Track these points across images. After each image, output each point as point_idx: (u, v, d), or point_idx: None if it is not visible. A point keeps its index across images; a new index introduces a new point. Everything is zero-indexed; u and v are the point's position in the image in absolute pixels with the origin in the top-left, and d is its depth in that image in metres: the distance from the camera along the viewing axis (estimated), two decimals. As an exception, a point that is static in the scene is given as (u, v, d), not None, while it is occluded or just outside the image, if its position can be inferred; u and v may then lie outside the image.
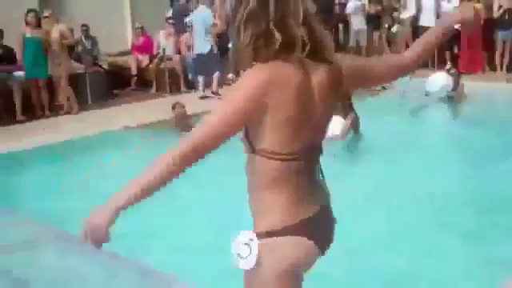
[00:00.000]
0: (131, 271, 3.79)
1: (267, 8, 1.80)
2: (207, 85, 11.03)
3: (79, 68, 10.80)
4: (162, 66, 11.86)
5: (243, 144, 1.93)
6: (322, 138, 2.00)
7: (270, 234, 1.89)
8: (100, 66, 11.60)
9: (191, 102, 9.93)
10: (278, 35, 1.78)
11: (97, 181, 6.26)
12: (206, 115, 1.79)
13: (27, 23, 9.62)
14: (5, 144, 7.71)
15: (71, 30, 10.75)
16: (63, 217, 4.80)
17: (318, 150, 1.99)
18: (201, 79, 11.08)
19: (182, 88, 11.82)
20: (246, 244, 1.88)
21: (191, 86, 11.84)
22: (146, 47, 12.38)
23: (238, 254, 1.88)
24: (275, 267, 1.88)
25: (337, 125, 6.86)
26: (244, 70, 1.83)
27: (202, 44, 10.98)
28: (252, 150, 1.89)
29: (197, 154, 1.75)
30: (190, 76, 11.95)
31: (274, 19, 1.79)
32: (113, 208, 1.71)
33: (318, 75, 1.87)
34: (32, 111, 9.70)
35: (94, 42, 11.96)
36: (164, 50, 11.91)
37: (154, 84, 11.93)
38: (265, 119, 1.81)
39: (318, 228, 1.96)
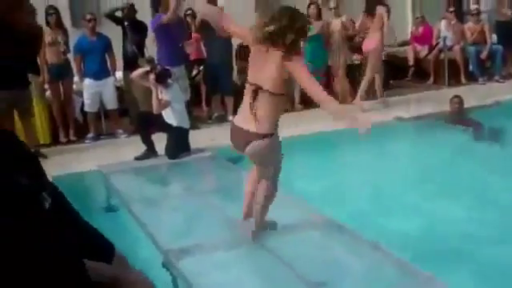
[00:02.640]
0: (390, 265, 3.63)
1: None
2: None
3: (356, 59, 10.85)
4: (442, 56, 11.35)
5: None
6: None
7: None
8: (377, 56, 11.55)
9: (470, 95, 9.36)
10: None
11: (364, 171, 6.25)
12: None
13: (308, 15, 9.98)
14: (285, 129, 8.09)
15: (353, 22, 10.91)
16: (327, 204, 4.84)
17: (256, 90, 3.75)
18: None
19: (462, 80, 11.16)
20: None
21: (472, 78, 11.13)
22: (425, 37, 11.97)
23: None
24: None
25: None
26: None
27: None
28: None
29: None
30: (470, 67, 11.24)
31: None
32: None
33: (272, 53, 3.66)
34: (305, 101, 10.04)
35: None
36: (445, 39, 11.36)
37: (432, 75, 11.48)
38: None
39: (232, 134, 3.93)
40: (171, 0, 8.06)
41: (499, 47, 11.19)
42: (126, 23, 8.70)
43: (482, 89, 10.58)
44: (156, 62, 7.88)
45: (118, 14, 8.87)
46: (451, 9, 11.66)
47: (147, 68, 7.11)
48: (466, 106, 8.32)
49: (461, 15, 11.74)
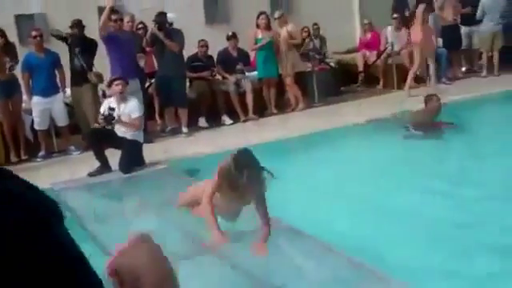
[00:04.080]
0: (345, 265, 3.70)
1: None
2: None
3: (307, 67, 10.98)
4: (390, 61, 11.61)
5: None
6: None
7: None
8: (327, 63, 11.73)
9: (419, 97, 9.58)
10: None
11: (321, 177, 6.30)
12: None
13: (258, 25, 10.07)
14: (240, 139, 8.14)
15: (304, 30, 11.08)
16: (288, 212, 4.87)
17: None
18: None
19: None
20: None
21: (420, 80, 11.39)
22: (373, 43, 12.23)
23: None
24: None
25: None
26: None
27: None
28: None
29: None
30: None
31: None
32: None
33: None
34: (259, 109, 10.10)
35: (323, 41, 12.16)
36: (392, 45, 11.62)
37: (382, 80, 11.73)
38: None
39: None
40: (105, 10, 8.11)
41: (444, 50, 11.50)
42: (73, 39, 8.60)
43: (429, 91, 10.81)
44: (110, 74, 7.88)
45: (64, 33, 8.73)
46: (395, 15, 11.92)
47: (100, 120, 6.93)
48: (413, 108, 8.51)
49: (406, 20, 12.01)
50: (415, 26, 10.58)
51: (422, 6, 10.57)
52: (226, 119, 9.71)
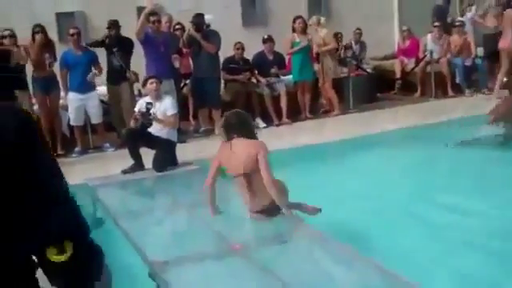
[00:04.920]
0: (375, 274, 3.63)
1: None
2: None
3: (342, 72, 10.85)
4: (428, 69, 11.43)
5: None
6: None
7: None
8: (363, 69, 11.62)
9: (458, 106, 9.45)
10: None
11: (351, 183, 6.23)
12: None
13: (294, 29, 10.02)
14: (273, 143, 8.09)
15: (336, 35, 10.96)
16: (319, 217, 4.82)
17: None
18: None
19: (449, 92, 11.23)
20: None
21: (459, 90, 11.20)
22: (411, 50, 12.05)
23: None
24: None
25: None
26: None
27: None
28: None
29: None
30: (457, 80, 11.32)
31: None
32: None
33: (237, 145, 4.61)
34: (293, 114, 10.06)
35: (363, 47, 12.06)
36: (431, 53, 11.42)
37: (419, 88, 11.56)
38: None
39: None
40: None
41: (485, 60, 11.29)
42: (110, 40, 8.73)
43: (468, 101, 10.64)
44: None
45: (100, 37, 8.89)
46: (436, 23, 11.73)
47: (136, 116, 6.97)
48: (453, 117, 8.33)
49: (446, 27, 11.84)
50: (504, 31, 10.31)
51: (509, 11, 10.34)
52: (260, 122, 9.69)
